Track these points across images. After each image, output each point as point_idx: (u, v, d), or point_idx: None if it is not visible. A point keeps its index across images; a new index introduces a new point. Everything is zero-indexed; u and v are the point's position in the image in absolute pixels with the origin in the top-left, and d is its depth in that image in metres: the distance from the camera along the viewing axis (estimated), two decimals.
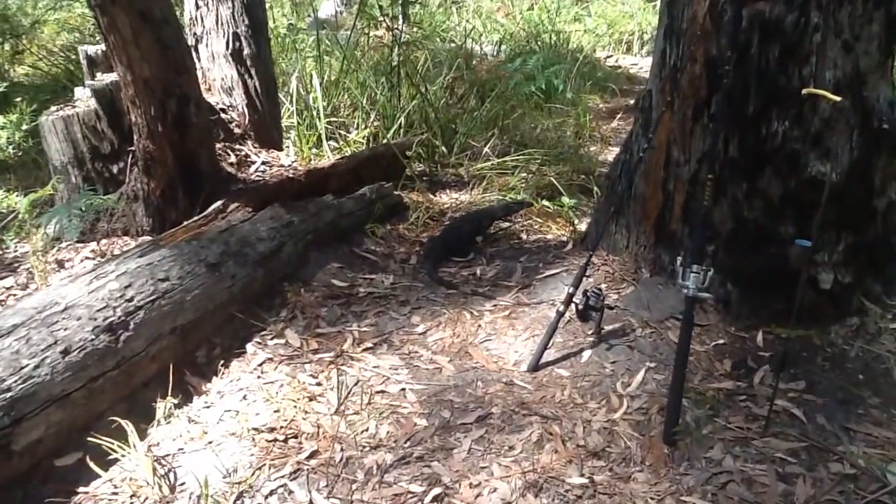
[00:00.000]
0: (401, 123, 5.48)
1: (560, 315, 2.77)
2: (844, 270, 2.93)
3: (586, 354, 2.83)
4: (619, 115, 8.20)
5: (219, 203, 3.45)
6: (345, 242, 3.84)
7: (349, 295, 3.35)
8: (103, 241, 3.61)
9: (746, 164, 2.83)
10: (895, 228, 3.11)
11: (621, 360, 2.79)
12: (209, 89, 4.10)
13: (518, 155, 5.51)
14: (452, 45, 8.20)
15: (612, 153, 6.45)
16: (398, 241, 4.05)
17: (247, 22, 4.16)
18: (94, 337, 2.40)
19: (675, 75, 2.98)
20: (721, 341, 2.87)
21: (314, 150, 5.32)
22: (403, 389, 2.69)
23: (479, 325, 3.08)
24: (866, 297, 3.02)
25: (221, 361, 2.84)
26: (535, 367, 2.75)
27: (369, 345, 2.96)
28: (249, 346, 2.94)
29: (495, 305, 3.24)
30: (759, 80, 2.73)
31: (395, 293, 3.39)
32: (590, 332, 2.91)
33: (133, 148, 3.56)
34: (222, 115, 4.07)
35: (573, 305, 2.85)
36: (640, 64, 11.25)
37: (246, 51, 4.20)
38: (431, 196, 4.78)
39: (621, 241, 3.43)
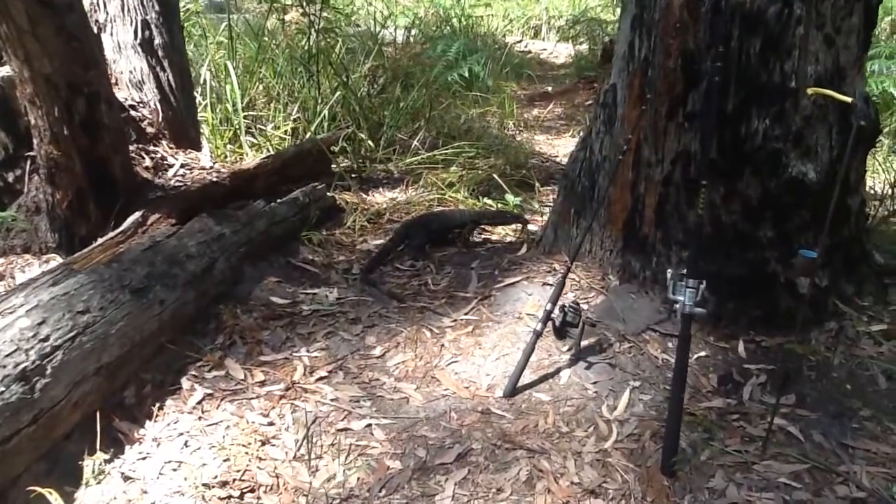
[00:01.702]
0: (324, 116, 5.11)
1: (538, 335, 2.53)
2: (821, 273, 2.81)
3: (565, 375, 2.60)
4: (537, 102, 8.09)
5: (137, 215, 3.04)
6: (280, 253, 3.49)
7: (292, 314, 3.02)
8: (0, 261, 3.14)
9: (725, 166, 2.66)
10: (865, 227, 3.03)
11: (603, 379, 2.58)
12: (116, 84, 3.63)
13: (447, 148, 5.25)
14: (358, 29, 7.82)
15: (541, 144, 6.30)
16: (337, 248, 3.72)
17: (157, 8, 3.71)
18: (3, 389, 1.99)
19: (646, 69, 2.78)
20: (703, 353, 2.71)
21: (230, 147, 4.90)
22: (369, 425, 2.39)
23: (443, 345, 2.81)
24: (840, 300, 2.91)
25: (154, 401, 2.46)
26: (513, 391, 2.51)
27: (323, 373, 2.65)
28: (185, 381, 2.57)
29: (455, 321, 2.97)
30: (739, 76, 2.56)
31: (342, 310, 3.07)
32: (567, 351, 2.69)
33: (33, 153, 3.10)
34: (132, 113, 3.62)
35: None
36: (550, 49, 11.18)
37: (157, 40, 3.74)
38: (364, 196, 4.46)
39: (584, 246, 3.23)
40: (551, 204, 4.56)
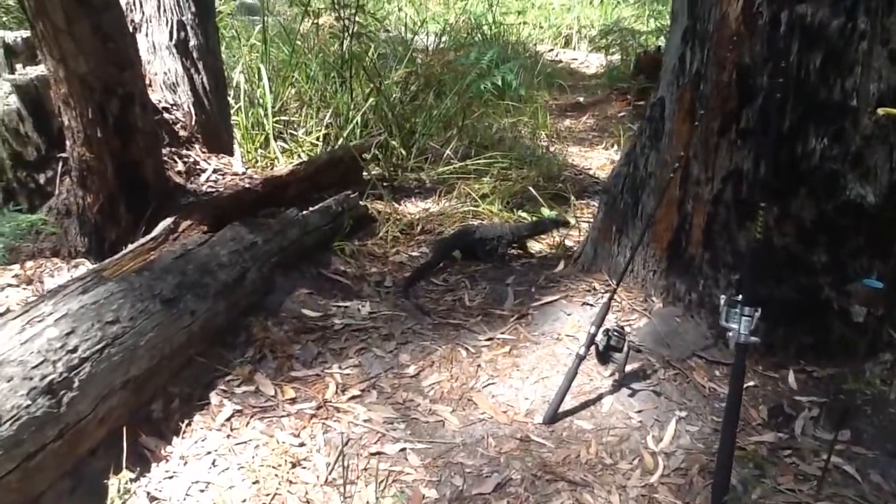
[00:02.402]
0: (356, 122, 5.04)
1: (581, 359, 2.42)
2: (859, 291, 2.68)
3: (607, 402, 2.49)
4: (569, 113, 7.97)
5: (169, 221, 2.97)
6: (311, 263, 3.41)
7: (323, 328, 2.93)
8: (28, 265, 3.08)
9: (779, 186, 2.54)
10: None
11: (648, 408, 2.47)
12: (150, 85, 3.57)
13: (480, 158, 5.15)
14: (388, 34, 7.75)
15: (573, 156, 6.18)
16: (369, 259, 3.64)
17: (193, 9, 3.66)
18: (30, 402, 1.92)
19: (697, 83, 2.67)
20: (751, 383, 2.58)
21: (261, 152, 4.85)
22: (403, 449, 2.30)
23: (479, 365, 2.71)
24: (894, 329, 2.78)
25: (182, 416, 2.39)
26: (553, 418, 2.40)
27: (356, 392, 2.56)
28: (213, 396, 2.50)
29: (492, 339, 2.87)
30: (798, 92, 2.44)
31: (375, 325, 2.98)
32: (610, 376, 2.58)
33: (65, 155, 3.05)
34: (166, 116, 3.56)
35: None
36: (581, 59, 11.06)
37: (192, 41, 3.69)
38: (396, 205, 4.38)
39: (624, 265, 3.11)
40: (587, 218, 4.47)
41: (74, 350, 2.11)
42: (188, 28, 3.66)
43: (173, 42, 3.63)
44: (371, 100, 5.22)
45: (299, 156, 4.81)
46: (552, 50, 11.17)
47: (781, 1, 2.39)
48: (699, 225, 2.75)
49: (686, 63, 2.71)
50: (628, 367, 2.58)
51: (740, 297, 2.24)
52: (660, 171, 2.89)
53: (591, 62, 10.80)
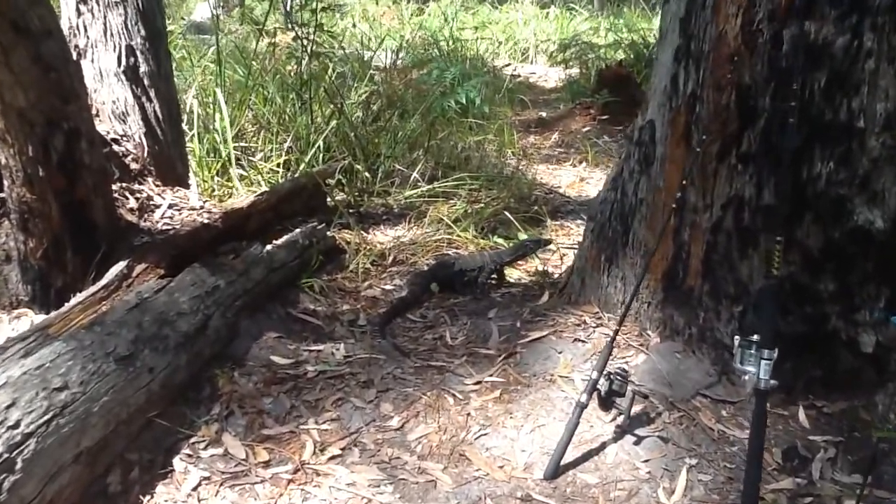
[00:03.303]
0: (318, 147, 4.80)
1: (583, 408, 2.22)
2: (885, 330, 2.55)
3: (611, 451, 2.30)
4: (533, 129, 7.84)
5: (121, 266, 2.71)
6: (278, 302, 3.17)
7: (296, 377, 2.69)
8: None
9: (783, 212, 2.39)
10: None
11: (655, 457, 2.28)
12: (97, 115, 3.30)
13: (448, 180, 4.96)
14: (343, 52, 7.53)
15: (541, 174, 6.02)
16: (340, 295, 3.41)
17: (143, 32, 3.40)
18: None
19: (693, 106, 2.51)
20: None
21: (217, 180, 4.58)
22: None
23: (468, 414, 2.50)
24: None
25: (142, 488, 2.13)
26: (555, 473, 2.20)
27: (336, 450, 2.32)
28: (177, 462, 2.24)
29: (479, 383, 2.66)
30: (802, 114, 2.29)
31: (352, 370, 2.75)
32: (612, 422, 2.39)
33: (2, 195, 2.76)
34: (115, 148, 3.28)
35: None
36: (539, 73, 11.00)
37: (143, 67, 3.43)
38: (365, 234, 4.15)
39: (616, 296, 2.94)
40: (564, 240, 4.30)
41: (16, 425, 1.86)
42: (138, 53, 3.39)
43: (122, 68, 3.36)
44: (333, 122, 4.99)
45: (259, 183, 4.56)
46: (510, 65, 11.07)
47: (783, 18, 2.25)
48: (697, 254, 2.58)
49: (679, 84, 2.55)
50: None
51: (755, 337, 2.08)
52: (652, 197, 2.72)
53: (549, 76, 10.74)
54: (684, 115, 2.54)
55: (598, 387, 2.27)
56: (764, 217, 2.37)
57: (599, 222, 3.02)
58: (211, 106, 4.82)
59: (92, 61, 3.36)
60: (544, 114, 8.41)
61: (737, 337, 2.06)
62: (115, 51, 3.35)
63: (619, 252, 2.90)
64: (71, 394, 2.02)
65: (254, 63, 5.60)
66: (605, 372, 2.28)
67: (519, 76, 10.41)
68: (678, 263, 2.65)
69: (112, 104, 3.37)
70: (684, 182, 2.55)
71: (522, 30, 12.71)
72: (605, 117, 7.72)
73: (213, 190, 4.49)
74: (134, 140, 3.38)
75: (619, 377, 2.28)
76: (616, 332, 2.32)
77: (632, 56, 9.50)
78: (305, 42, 5.23)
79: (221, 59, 4.88)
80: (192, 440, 2.33)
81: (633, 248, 2.84)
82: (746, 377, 2.04)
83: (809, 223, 2.38)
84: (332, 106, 5.25)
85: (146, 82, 3.44)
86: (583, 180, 6.00)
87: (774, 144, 2.32)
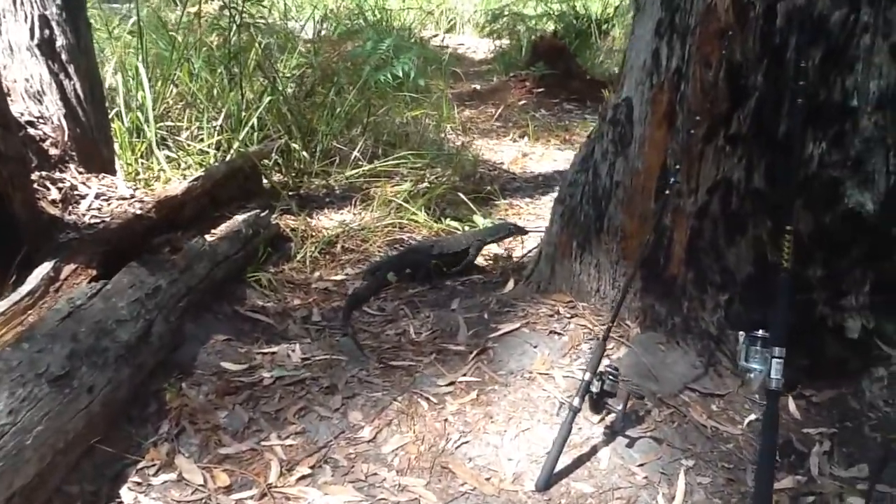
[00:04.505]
0: (252, 125, 4.48)
1: (575, 412, 2.06)
2: (869, 314, 2.47)
3: (604, 456, 2.15)
4: (468, 102, 7.65)
5: (47, 268, 2.39)
6: (223, 300, 2.90)
7: (251, 384, 2.45)
8: None
9: (774, 197, 2.27)
10: None
11: (650, 460, 2.14)
12: (8, 94, 2.91)
13: (390, 159, 4.73)
14: (265, 22, 7.14)
15: (483, 149, 5.85)
16: (289, 289, 3.15)
17: (58, 1, 3.02)
18: None
19: (677, 83, 2.35)
20: (752, 417, 2.31)
21: (143, 163, 4.22)
22: None
23: (446, 420, 2.31)
24: (881, 340, 2.58)
25: None
26: (547, 483, 2.03)
27: (305, 469, 2.09)
28: (125, 492, 1.99)
29: (453, 384, 2.47)
30: (794, 92, 2.17)
31: (312, 374, 2.52)
32: (600, 423, 2.24)
33: None
34: (31, 131, 2.92)
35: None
36: (467, 44, 10.79)
37: (60, 41, 3.05)
38: (308, 220, 3.88)
39: (589, 284, 2.80)
40: (517, 220, 4.13)
41: None
42: (53, 24, 3.02)
43: (35, 42, 2.98)
44: (266, 98, 4.66)
45: (190, 166, 4.22)
46: (437, 35, 10.81)
47: None
48: (681, 241, 2.44)
49: (661, 60, 2.39)
50: (618, 406, 2.24)
51: (761, 332, 1.96)
52: (630, 180, 2.57)
53: (478, 48, 10.55)
54: (667, 94, 2.39)
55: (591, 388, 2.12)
56: (764, 204, 2.24)
57: (570, 206, 2.86)
58: (131, 81, 4.43)
59: (0, 34, 2.97)
60: (478, 86, 8.23)
61: (741, 334, 1.94)
62: (26, 21, 2.97)
63: (593, 238, 2.75)
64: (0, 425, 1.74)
65: (176, 35, 5.20)
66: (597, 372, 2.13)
67: (447, 47, 10.16)
68: (658, 251, 2.52)
69: (25, 82, 2.99)
70: (666, 164, 2.41)
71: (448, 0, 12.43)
72: (540, 90, 7.58)
73: (138, 174, 4.13)
74: (52, 122, 3.01)
75: (610, 377, 2.13)
76: (609, 330, 2.16)
77: (561, 27, 9.38)
78: (233, 12, 4.86)
79: (142, 31, 4.48)
80: (141, 465, 2.07)
81: (608, 234, 2.69)
82: (752, 375, 1.93)
83: (800, 208, 2.27)
84: (262, 81, 4.91)
85: (64, 57, 3.07)
86: (525, 156, 5.86)
87: (766, 125, 2.20)
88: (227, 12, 4.95)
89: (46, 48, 3.02)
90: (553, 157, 5.80)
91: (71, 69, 3.09)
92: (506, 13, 10.61)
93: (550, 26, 9.65)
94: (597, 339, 2.59)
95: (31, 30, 2.98)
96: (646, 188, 2.51)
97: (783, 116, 2.18)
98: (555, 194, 4.85)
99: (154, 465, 2.08)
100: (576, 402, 2.06)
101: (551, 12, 10.35)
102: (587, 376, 2.08)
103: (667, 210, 2.44)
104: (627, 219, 2.60)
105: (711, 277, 2.42)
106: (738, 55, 2.19)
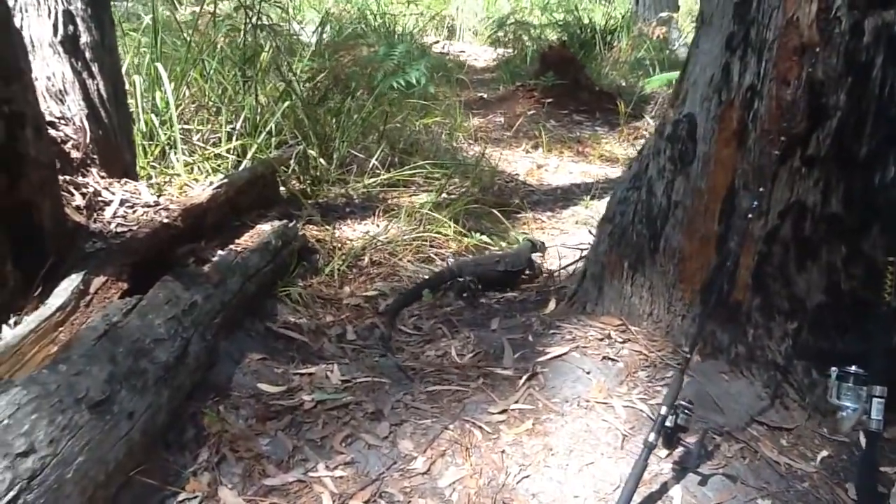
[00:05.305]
0: (270, 130, 4.33)
1: (651, 449, 1.93)
2: None
3: (677, 494, 2.02)
4: (475, 110, 7.52)
5: (76, 280, 2.24)
6: (255, 316, 2.75)
7: (291, 408, 2.30)
8: None
9: (850, 221, 2.16)
10: None
11: (726, 499, 2.01)
12: None
13: (406, 168, 4.60)
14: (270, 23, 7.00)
15: (496, 159, 5.72)
16: (320, 304, 3.01)
17: None
18: None
19: (750, 101, 2.24)
20: (824, 453, 2.20)
21: (154, 166, 4.05)
22: None
23: (503, 451, 2.17)
24: None
25: None
26: None
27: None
28: None
29: (505, 412, 2.34)
30: (879, 112, 2.06)
31: (356, 398, 2.38)
32: (671, 459, 2.11)
33: None
34: (53, 133, 2.76)
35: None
36: (469, 51, 10.67)
37: (84, 37, 2.89)
38: (331, 230, 3.74)
39: (641, 307, 2.68)
40: (538, 235, 4.02)
41: None
42: (78, 20, 2.86)
43: (59, 38, 2.82)
44: (282, 102, 4.52)
45: (205, 171, 4.07)
46: (437, 42, 10.72)
47: (866, 5, 2.00)
48: (747, 266, 2.33)
49: (733, 76, 2.28)
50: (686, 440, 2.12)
51: (853, 368, 1.85)
52: (691, 199, 2.46)
53: (479, 55, 10.44)
54: (738, 111, 2.28)
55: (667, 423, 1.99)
56: (841, 229, 2.14)
57: (620, 225, 2.74)
58: (146, 82, 4.27)
59: (21, 29, 2.81)
60: (485, 95, 8.12)
61: (833, 369, 1.83)
62: (49, 17, 2.81)
63: (647, 259, 2.63)
64: (39, 458, 1.59)
65: (193, 36, 5.04)
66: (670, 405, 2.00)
67: (448, 54, 10.07)
68: (722, 275, 2.40)
69: (47, 80, 2.83)
70: (734, 185, 2.30)
71: (448, 6, 12.33)
72: (549, 100, 7.47)
73: (150, 178, 3.97)
74: (74, 123, 2.85)
75: (686, 412, 2.00)
76: (687, 362, 2.03)
77: (565, 37, 9.30)
78: (250, 12, 4.72)
79: (158, 30, 4.33)
80: (181, 497, 1.93)
81: (664, 255, 2.57)
82: (844, 414, 1.83)
83: (876, 233, 2.16)
84: (279, 84, 4.77)
85: (88, 55, 2.91)
86: (540, 167, 5.74)
87: (846, 146, 2.10)
88: (241, 12, 4.80)
89: (70, 45, 2.86)
90: (569, 170, 5.69)
91: (95, 68, 2.93)
92: (510, 22, 10.52)
93: (554, 36, 9.57)
94: (654, 367, 2.48)
95: (55, 25, 2.82)
96: (709, 209, 2.40)
97: (865, 137, 2.08)
98: (575, 208, 4.84)
99: (196, 498, 1.93)
100: (651, 437, 1.94)
101: (556, 22, 10.28)
102: (664, 410, 1.95)
103: (733, 232, 2.34)
104: (686, 240, 2.49)
105: (779, 304, 2.31)
106: (820, 73, 2.08)
